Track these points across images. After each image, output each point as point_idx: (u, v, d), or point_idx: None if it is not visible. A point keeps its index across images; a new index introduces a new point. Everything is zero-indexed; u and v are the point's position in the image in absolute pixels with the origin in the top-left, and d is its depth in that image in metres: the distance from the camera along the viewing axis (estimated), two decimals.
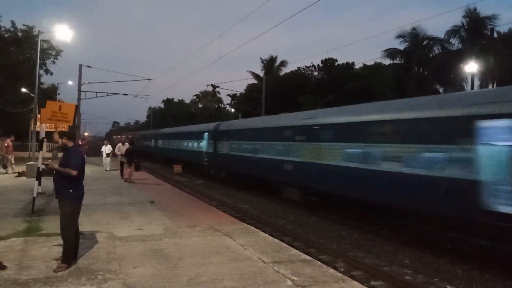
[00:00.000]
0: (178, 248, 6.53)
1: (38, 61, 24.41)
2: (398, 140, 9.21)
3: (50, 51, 41.50)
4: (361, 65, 43.93)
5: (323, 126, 12.00)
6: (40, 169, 10.26)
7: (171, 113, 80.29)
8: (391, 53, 33.35)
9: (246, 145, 17.38)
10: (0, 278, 4.89)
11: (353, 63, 46.14)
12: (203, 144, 23.25)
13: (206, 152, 22.61)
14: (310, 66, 48.43)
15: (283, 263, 5.88)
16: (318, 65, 47.76)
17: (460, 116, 7.85)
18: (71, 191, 5.48)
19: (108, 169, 22.08)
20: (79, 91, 27.28)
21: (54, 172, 5.61)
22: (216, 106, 66.43)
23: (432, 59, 31.24)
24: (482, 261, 7.69)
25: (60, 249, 5.73)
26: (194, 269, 5.45)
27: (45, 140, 11.88)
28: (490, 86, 27.01)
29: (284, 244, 7.32)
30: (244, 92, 51.42)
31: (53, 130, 12.38)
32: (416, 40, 31.98)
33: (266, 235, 8.02)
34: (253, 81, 50.82)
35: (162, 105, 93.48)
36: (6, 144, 19.71)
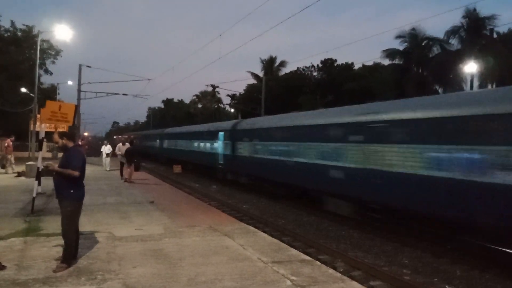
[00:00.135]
0: (178, 248, 6.53)
1: (38, 61, 24.41)
2: None
3: (50, 51, 41.44)
4: (361, 65, 44.04)
5: (397, 123, 9.15)
6: (40, 169, 10.26)
7: (171, 113, 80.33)
8: (390, 53, 33.39)
9: (276, 146, 14.78)
10: None
11: (352, 63, 46.32)
12: (218, 145, 20.90)
13: (221, 154, 20.27)
14: (309, 66, 48.60)
15: (283, 263, 5.89)
16: (317, 65, 47.89)
17: None
18: (72, 191, 5.48)
19: (108, 169, 22.08)
20: (79, 91, 27.29)
21: (54, 173, 5.61)
22: (215, 106, 66.46)
23: (432, 59, 31.25)
24: (482, 261, 7.71)
25: (60, 249, 5.73)
26: (193, 269, 5.45)
27: (44, 140, 11.87)
28: (489, 87, 27.04)
29: (283, 244, 7.32)
30: (243, 92, 51.49)
31: (53, 130, 12.36)
32: (415, 41, 32.01)
33: (265, 235, 8.02)
34: (252, 81, 50.93)
35: (161, 105, 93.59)
36: (6, 144, 19.72)
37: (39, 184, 10.87)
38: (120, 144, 19.97)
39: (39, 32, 25.02)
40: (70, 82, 45.97)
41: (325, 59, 46.57)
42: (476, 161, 7.25)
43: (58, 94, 44.29)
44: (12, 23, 39.12)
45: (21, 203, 10.55)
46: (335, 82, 41.53)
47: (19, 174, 17.76)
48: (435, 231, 8.91)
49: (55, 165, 5.64)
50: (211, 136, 22.12)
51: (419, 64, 32.13)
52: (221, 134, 20.55)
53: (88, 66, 27.96)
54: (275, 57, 52.08)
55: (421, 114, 8.59)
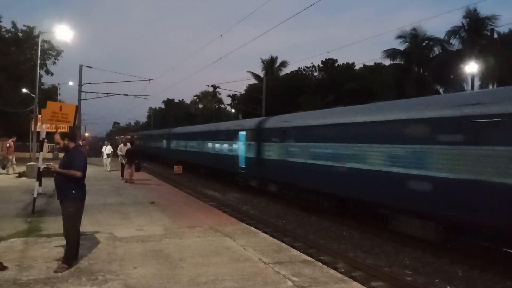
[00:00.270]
0: (179, 249, 6.54)
1: (39, 61, 24.39)
2: None
3: (50, 52, 41.50)
4: (361, 66, 44.03)
5: None
6: (41, 170, 10.27)
7: (172, 113, 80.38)
8: (391, 53, 33.36)
9: (323, 148, 11.93)
10: (0, 279, 4.89)
11: (353, 63, 46.26)
12: (239, 146, 18.44)
13: (243, 156, 17.73)
14: (310, 66, 48.51)
15: (284, 263, 5.89)
16: (318, 65, 47.85)
17: None
18: (73, 191, 5.49)
19: (108, 169, 22.10)
20: (80, 91, 27.34)
21: (55, 174, 5.61)
22: (216, 107, 66.47)
23: (432, 59, 31.24)
24: (482, 261, 7.71)
25: (61, 249, 5.74)
26: (194, 270, 5.45)
27: (45, 140, 11.88)
28: (490, 87, 27.02)
29: (284, 244, 7.32)
30: (244, 92, 51.45)
31: (53, 130, 12.37)
32: (416, 41, 31.99)
33: (266, 235, 8.02)
34: (253, 81, 50.88)
35: (162, 106, 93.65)
36: (7, 145, 19.74)
37: (40, 184, 10.88)
38: (122, 144, 19.97)
39: (40, 33, 25.00)
40: (70, 83, 46.13)
41: (325, 59, 46.58)
42: None
43: (59, 94, 44.34)
44: (13, 24, 39.23)
45: (22, 203, 10.57)
46: (336, 82, 41.50)
47: (20, 175, 17.79)
48: (434, 232, 8.91)
49: (56, 166, 5.65)
50: (230, 136, 19.74)
51: (419, 64, 32.10)
52: (241, 134, 18.20)
53: (88, 67, 28.03)
54: (276, 57, 52.13)
55: None
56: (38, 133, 18.46)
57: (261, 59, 52.34)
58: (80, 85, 27.28)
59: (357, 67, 45.23)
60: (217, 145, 21.55)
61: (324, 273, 5.52)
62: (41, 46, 25.26)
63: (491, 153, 7.18)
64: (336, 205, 11.98)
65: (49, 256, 5.89)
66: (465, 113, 7.75)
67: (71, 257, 5.50)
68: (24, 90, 36.98)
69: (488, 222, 7.30)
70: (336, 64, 46.90)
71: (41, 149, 11.47)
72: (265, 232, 8.74)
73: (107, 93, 31.15)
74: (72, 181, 5.46)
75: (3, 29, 38.43)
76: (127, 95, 35.65)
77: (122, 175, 18.26)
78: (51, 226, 7.84)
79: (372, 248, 8.93)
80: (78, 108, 19.70)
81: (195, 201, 12.75)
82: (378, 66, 40.21)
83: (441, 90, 31.08)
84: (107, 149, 23.10)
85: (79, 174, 5.44)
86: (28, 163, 18.42)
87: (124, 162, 18.02)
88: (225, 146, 20.36)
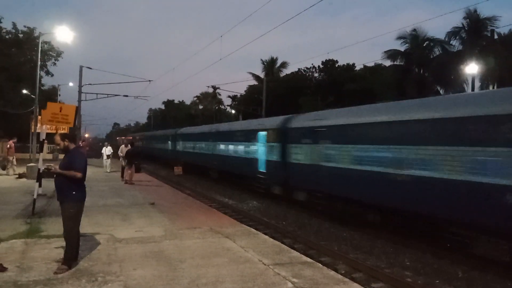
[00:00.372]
0: (179, 250, 6.53)
1: (39, 62, 24.38)
2: None
3: (51, 53, 41.48)
4: (362, 66, 44.00)
5: None
6: (41, 171, 10.27)
7: (172, 114, 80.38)
8: (391, 54, 33.37)
9: (374, 152, 9.83)
10: (0, 280, 4.89)
11: (353, 64, 46.17)
12: (258, 148, 16.51)
13: (263, 160, 15.81)
14: (310, 67, 48.48)
15: (284, 265, 5.88)
16: (318, 66, 47.84)
17: None
18: (73, 192, 5.49)
19: (108, 170, 22.09)
20: (80, 92, 27.35)
21: (55, 175, 5.61)
22: (216, 108, 66.49)
23: (433, 60, 31.25)
24: (482, 261, 7.70)
25: (61, 251, 5.74)
26: (194, 271, 5.44)
27: (45, 141, 11.88)
28: (490, 88, 27.02)
29: (284, 246, 7.31)
30: (244, 93, 51.44)
31: (53, 131, 12.38)
32: (416, 42, 32.00)
33: (266, 237, 8.01)
34: (253, 82, 50.88)
35: (162, 107, 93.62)
36: (8, 146, 19.74)
37: (40, 185, 10.88)
38: (123, 146, 19.93)
39: (40, 34, 25.02)
40: (71, 84, 46.00)
41: (326, 60, 46.54)
42: None
43: (59, 95, 44.29)
44: (14, 25, 39.24)
45: (22, 204, 10.57)
46: (336, 83, 41.48)
47: (20, 176, 17.78)
48: (434, 232, 8.90)
49: (56, 167, 5.65)
50: (247, 137, 17.74)
51: (420, 65, 32.12)
52: (261, 134, 16.22)
53: (88, 68, 28.08)
54: (276, 58, 52.20)
55: None
56: (38, 134, 18.47)
57: (261, 60, 52.52)
58: (80, 86, 27.31)
59: (357, 67, 45.21)
60: (232, 147, 19.56)
61: (325, 275, 5.52)
62: (41, 47, 25.26)
63: None
64: (383, 218, 10.15)
65: (49, 257, 5.89)
66: None
67: (71, 258, 5.49)
68: (25, 91, 37.00)
69: None
70: (336, 65, 46.86)
71: (41, 150, 11.46)
72: (266, 234, 8.73)
73: (107, 94, 31.28)
74: (72, 182, 5.46)
75: (4, 30, 38.44)
76: (127, 96, 36.11)
77: (122, 176, 18.26)
78: (51, 227, 7.84)
79: (372, 249, 8.92)
80: (78, 109, 19.73)
81: (195, 202, 12.73)
82: (378, 67, 40.19)
83: (441, 91, 31.11)
84: (107, 150, 23.10)
85: (79, 175, 5.44)
86: (28, 164, 18.42)
87: (124, 163, 18.02)
88: (241, 147, 18.38)
